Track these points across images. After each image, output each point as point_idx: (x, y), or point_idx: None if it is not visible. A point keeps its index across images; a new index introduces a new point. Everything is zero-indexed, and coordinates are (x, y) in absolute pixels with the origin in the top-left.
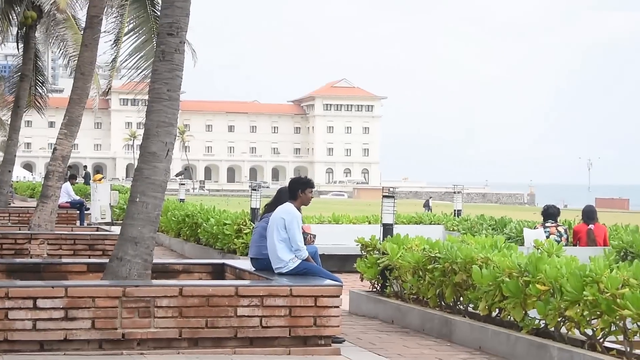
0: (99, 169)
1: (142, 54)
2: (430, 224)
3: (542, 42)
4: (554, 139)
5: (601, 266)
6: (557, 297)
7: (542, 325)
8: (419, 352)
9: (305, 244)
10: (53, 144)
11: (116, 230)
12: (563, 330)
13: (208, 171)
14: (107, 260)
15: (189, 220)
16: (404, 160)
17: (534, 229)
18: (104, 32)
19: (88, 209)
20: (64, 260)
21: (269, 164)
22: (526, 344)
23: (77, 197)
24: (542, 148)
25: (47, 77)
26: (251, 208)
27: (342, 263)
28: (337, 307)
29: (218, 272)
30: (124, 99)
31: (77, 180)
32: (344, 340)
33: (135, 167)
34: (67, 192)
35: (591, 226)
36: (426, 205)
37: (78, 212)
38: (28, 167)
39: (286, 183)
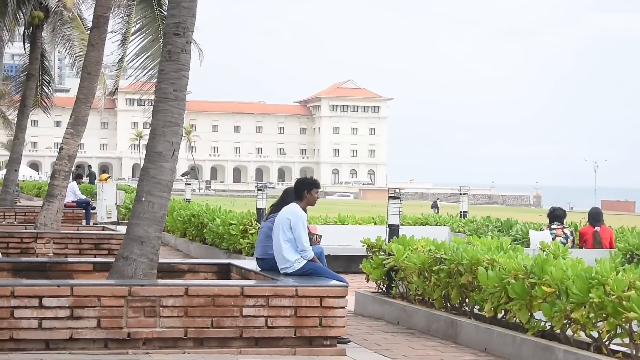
0: (105, 168)
1: (148, 54)
2: (436, 225)
3: (548, 41)
4: (560, 140)
5: (607, 268)
6: (563, 299)
7: (548, 328)
8: (425, 353)
9: (311, 245)
10: (59, 144)
11: (122, 229)
12: (569, 332)
13: (214, 171)
14: (113, 260)
15: (195, 220)
16: (410, 161)
17: (540, 230)
18: (111, 32)
19: (94, 208)
20: (70, 259)
21: (275, 165)
22: (532, 346)
23: (83, 197)
24: (548, 150)
25: (53, 77)
26: (257, 208)
27: (347, 264)
28: (343, 307)
29: (224, 272)
30: (130, 99)
31: (83, 180)
32: (349, 341)
33: (142, 166)
34: (73, 192)
35: (597, 228)
36: (434, 206)
37: (84, 211)
38: (34, 166)
39: (292, 184)
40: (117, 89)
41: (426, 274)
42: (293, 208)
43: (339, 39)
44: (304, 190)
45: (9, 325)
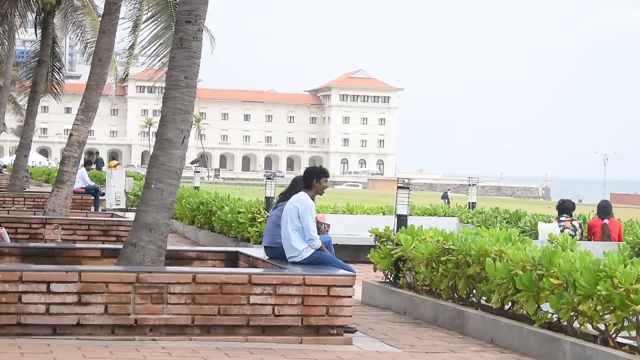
0: (114, 155)
1: (161, 41)
2: (444, 216)
3: (559, 34)
4: (569, 133)
5: (615, 261)
6: (570, 291)
7: (555, 319)
8: (431, 343)
9: (319, 234)
10: (69, 130)
11: (130, 216)
12: (576, 324)
13: (223, 159)
14: (121, 246)
15: (204, 208)
16: (419, 152)
17: (549, 222)
18: (122, 18)
19: (103, 194)
20: (78, 245)
21: (284, 154)
22: (538, 338)
23: (92, 183)
24: (558, 142)
25: (64, 63)
26: (265, 197)
27: (355, 253)
28: (350, 297)
29: (231, 259)
30: (140, 86)
31: (92, 167)
32: (356, 330)
33: (151, 153)
34: (82, 178)
35: (606, 221)
36: (444, 197)
37: (93, 197)
38: (44, 152)
39: (301, 173)
40: (127, 76)
41: (434, 265)
42: (302, 197)
43: (350, 28)
44: (313, 179)
45: (17, 310)
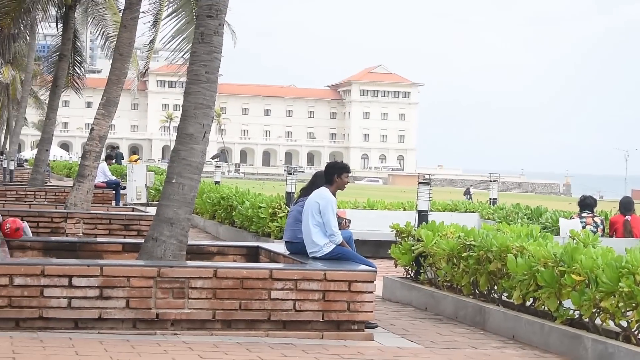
0: (135, 149)
1: (184, 35)
2: (465, 211)
3: (580, 31)
4: (591, 129)
5: (637, 257)
6: (592, 287)
7: (577, 316)
8: (452, 339)
9: (340, 229)
10: (90, 124)
11: (151, 210)
12: (597, 321)
13: (244, 154)
14: (142, 241)
15: (224, 202)
16: (439, 147)
17: (570, 219)
18: (143, 12)
19: (124, 188)
20: (100, 239)
21: (305, 149)
22: (560, 334)
23: (113, 177)
24: (580, 138)
25: (85, 58)
26: (286, 192)
27: (376, 249)
28: (371, 292)
29: (252, 254)
30: (161, 81)
31: (113, 161)
32: (376, 326)
33: (172, 148)
34: (103, 172)
35: (628, 217)
36: (467, 193)
37: (114, 192)
38: (65, 146)
39: (321, 168)
40: (147, 70)
41: (455, 261)
42: (323, 192)
43: (371, 23)
44: (334, 174)
45: (39, 304)
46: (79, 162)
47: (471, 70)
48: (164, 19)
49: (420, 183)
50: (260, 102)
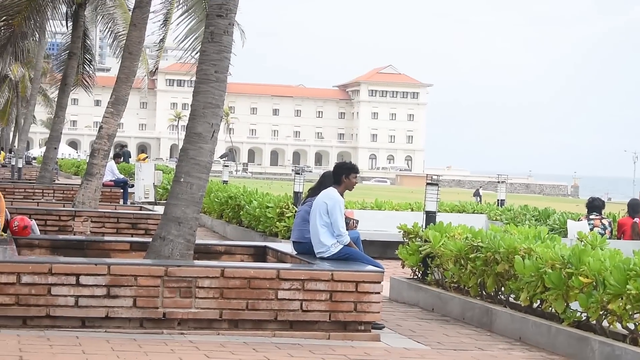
0: (143, 148)
1: (196, 35)
2: (473, 213)
3: (587, 33)
4: (599, 131)
5: None
6: (599, 290)
7: (584, 318)
8: (459, 340)
9: (347, 229)
10: (98, 123)
11: (159, 209)
12: (605, 323)
13: (252, 154)
14: (149, 240)
15: (232, 202)
16: (447, 148)
17: (578, 221)
18: (153, 12)
19: (132, 186)
20: (107, 238)
21: (313, 149)
22: (567, 336)
23: (121, 176)
24: (587, 140)
25: (94, 56)
26: (294, 192)
27: (383, 249)
28: (378, 293)
29: (260, 254)
30: (170, 80)
31: (121, 159)
32: (383, 327)
33: (181, 147)
34: (111, 171)
35: (636, 219)
36: (476, 194)
37: (122, 190)
38: (73, 144)
39: (329, 168)
40: (157, 69)
41: (462, 262)
42: (330, 192)
43: (380, 24)
44: (342, 174)
45: (46, 302)
46: (87, 161)
47: (471, 71)
48: (177, 18)
49: (428, 184)
50: (269, 101)
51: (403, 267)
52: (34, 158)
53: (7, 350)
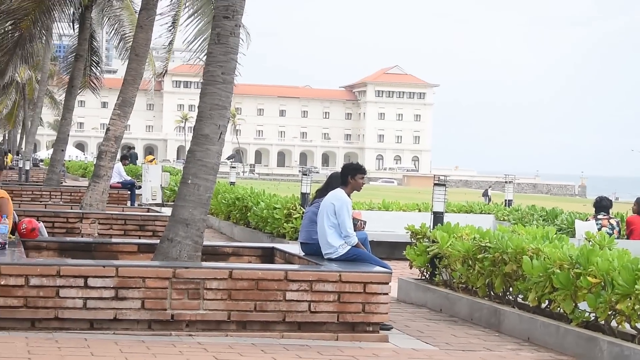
0: (150, 150)
1: (204, 36)
2: (480, 213)
3: (587, 33)
4: (599, 131)
5: None
6: (608, 290)
7: (592, 318)
8: (467, 341)
9: (355, 230)
10: (105, 124)
11: (167, 211)
12: (613, 323)
13: (258, 155)
14: (157, 241)
15: (239, 203)
16: (454, 149)
17: (586, 220)
18: (160, 15)
19: (139, 188)
20: (115, 240)
21: (320, 149)
22: (575, 337)
23: (129, 178)
24: (587, 140)
25: (101, 58)
26: (301, 193)
27: (391, 250)
28: (386, 294)
29: (267, 255)
30: (176, 81)
31: (128, 161)
32: (391, 328)
33: (188, 149)
34: (118, 173)
35: None
36: (485, 195)
37: (129, 192)
38: (80, 146)
39: (336, 169)
40: (166, 71)
41: (470, 262)
42: (338, 193)
43: (386, 24)
44: (349, 175)
45: (54, 304)
46: (95, 163)
47: (471, 71)
48: (186, 19)
49: (435, 184)
50: (276, 102)
51: (411, 268)
52: (41, 160)
53: (15, 352)
